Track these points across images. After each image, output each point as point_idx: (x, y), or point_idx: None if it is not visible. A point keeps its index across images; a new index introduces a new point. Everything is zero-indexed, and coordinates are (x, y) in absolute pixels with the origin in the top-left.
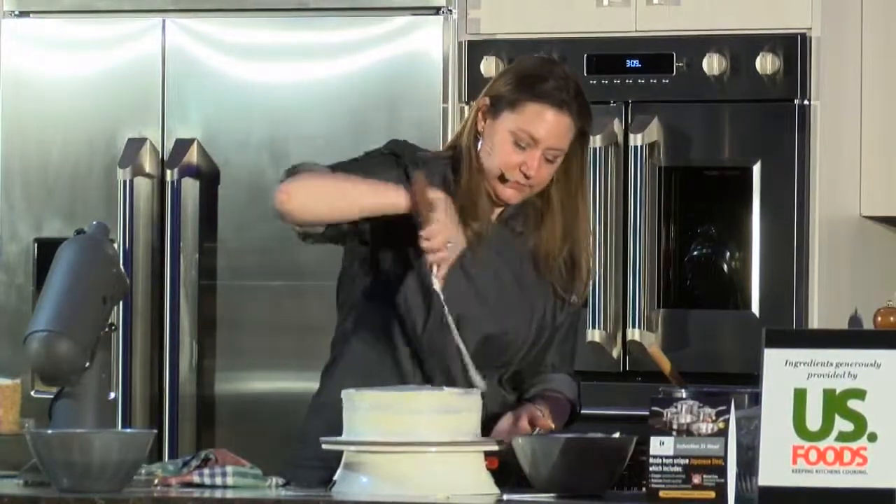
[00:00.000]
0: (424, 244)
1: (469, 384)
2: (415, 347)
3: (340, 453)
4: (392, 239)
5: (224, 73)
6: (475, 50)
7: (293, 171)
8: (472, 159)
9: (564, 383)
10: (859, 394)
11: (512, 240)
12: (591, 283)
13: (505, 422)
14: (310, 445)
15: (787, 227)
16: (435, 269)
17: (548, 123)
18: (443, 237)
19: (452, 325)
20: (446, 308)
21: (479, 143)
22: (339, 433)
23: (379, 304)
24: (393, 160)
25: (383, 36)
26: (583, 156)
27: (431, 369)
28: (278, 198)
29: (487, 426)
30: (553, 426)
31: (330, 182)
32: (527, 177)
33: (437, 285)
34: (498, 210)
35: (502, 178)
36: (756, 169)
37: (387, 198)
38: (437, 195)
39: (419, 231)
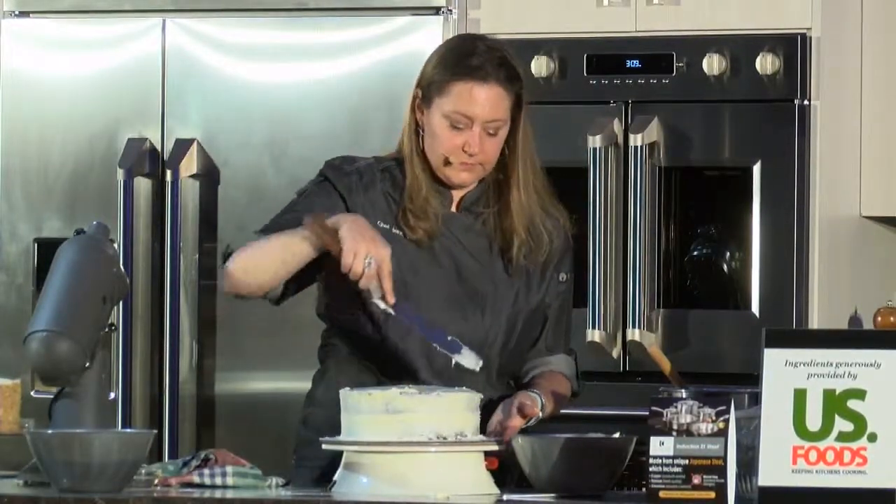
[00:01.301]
0: (349, 274)
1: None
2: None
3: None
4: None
5: (224, 73)
6: None
7: (228, 255)
8: (413, 157)
9: (562, 362)
10: (859, 394)
11: (475, 224)
12: (553, 246)
13: (496, 417)
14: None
15: (787, 227)
16: (373, 292)
17: (478, 99)
18: (358, 260)
19: (419, 327)
20: (404, 319)
21: (422, 136)
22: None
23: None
24: (329, 186)
25: (383, 36)
26: (523, 120)
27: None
28: (224, 284)
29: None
30: (539, 413)
31: (256, 252)
32: (471, 155)
33: (383, 305)
34: (458, 197)
35: (448, 163)
36: (756, 169)
37: (297, 250)
38: (333, 221)
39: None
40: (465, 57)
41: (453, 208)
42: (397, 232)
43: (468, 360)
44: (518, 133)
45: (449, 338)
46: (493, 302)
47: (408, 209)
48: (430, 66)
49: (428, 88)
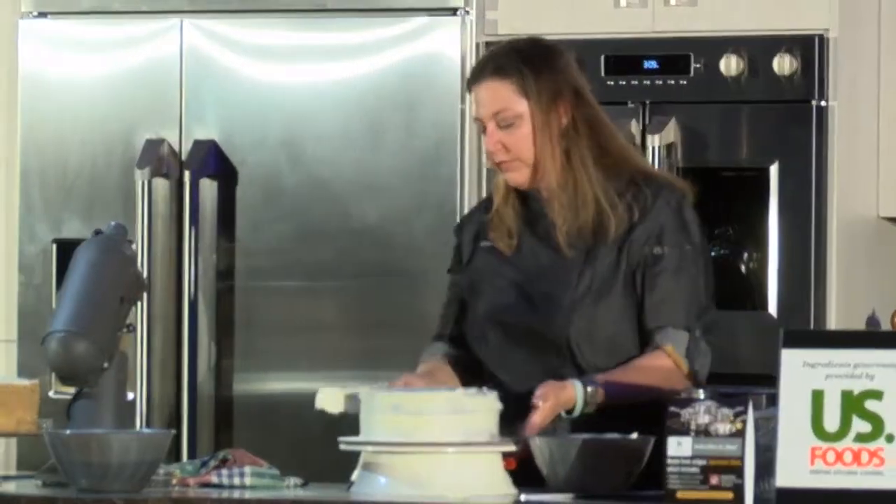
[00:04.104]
0: None
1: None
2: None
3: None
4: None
5: (242, 73)
6: None
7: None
8: (495, 172)
9: (671, 337)
10: (877, 395)
11: (541, 218)
12: (628, 218)
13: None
14: None
15: (805, 227)
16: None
17: (478, 99)
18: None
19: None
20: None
21: None
22: None
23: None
24: (457, 245)
25: (400, 37)
26: (532, 107)
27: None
28: None
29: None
30: (539, 404)
31: None
32: (489, 152)
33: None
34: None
35: (498, 168)
36: (773, 170)
37: None
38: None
39: None
40: (473, 66)
41: (548, 209)
42: (486, 243)
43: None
44: (534, 123)
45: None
46: (565, 294)
47: (488, 222)
48: None
49: None
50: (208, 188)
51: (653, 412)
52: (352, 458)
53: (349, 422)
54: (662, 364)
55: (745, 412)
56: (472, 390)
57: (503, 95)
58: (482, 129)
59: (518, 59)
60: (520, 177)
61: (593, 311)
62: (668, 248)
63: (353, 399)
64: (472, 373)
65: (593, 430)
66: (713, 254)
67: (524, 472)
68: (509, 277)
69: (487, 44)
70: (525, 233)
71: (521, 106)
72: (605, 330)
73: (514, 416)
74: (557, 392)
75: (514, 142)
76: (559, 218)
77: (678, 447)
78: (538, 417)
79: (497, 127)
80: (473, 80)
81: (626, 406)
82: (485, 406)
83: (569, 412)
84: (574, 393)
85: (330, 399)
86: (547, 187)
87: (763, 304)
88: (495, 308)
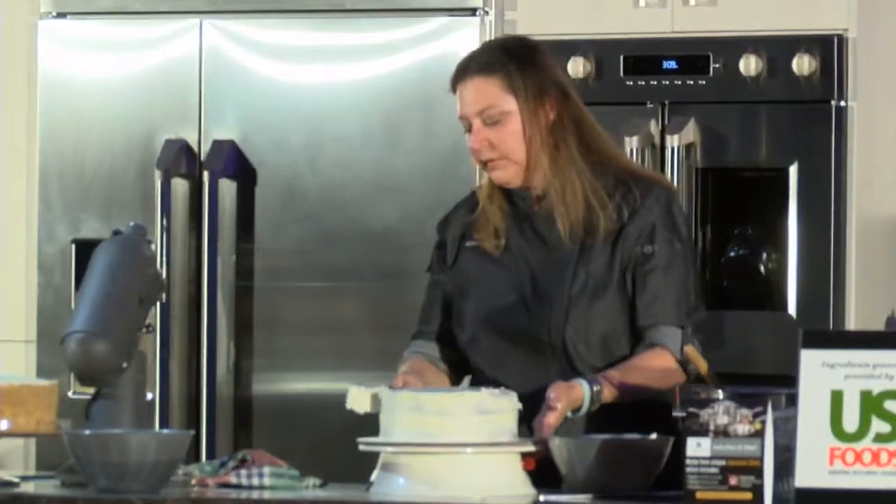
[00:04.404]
0: None
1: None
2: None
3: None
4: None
5: (261, 74)
6: None
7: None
8: (479, 172)
9: (666, 336)
10: None
11: (529, 217)
12: (620, 215)
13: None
14: None
15: (824, 227)
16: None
17: (463, 97)
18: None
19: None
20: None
21: None
22: None
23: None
24: (440, 244)
25: (419, 37)
26: (520, 104)
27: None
28: None
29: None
30: (557, 406)
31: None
32: (475, 150)
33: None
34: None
35: (484, 167)
36: (792, 170)
37: None
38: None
39: None
40: (457, 65)
41: (536, 208)
42: (471, 243)
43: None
44: (523, 119)
45: None
46: (560, 294)
47: (473, 222)
48: None
49: None
50: (227, 188)
51: (649, 410)
52: (371, 459)
53: (368, 422)
54: (663, 363)
55: (764, 412)
56: (496, 391)
57: (489, 92)
58: (467, 128)
59: (503, 56)
60: (506, 175)
61: (588, 311)
62: (658, 246)
63: (378, 399)
64: (458, 372)
65: (592, 429)
66: (732, 254)
67: (541, 473)
68: (499, 278)
69: None
70: (513, 232)
71: (509, 102)
72: (599, 329)
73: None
74: (568, 392)
75: (501, 139)
76: (558, 212)
77: (697, 448)
78: (553, 418)
79: (483, 124)
80: (458, 78)
81: (622, 404)
82: (507, 406)
83: (574, 411)
84: (582, 392)
85: (359, 398)
86: (535, 185)
87: (782, 304)
88: (487, 310)
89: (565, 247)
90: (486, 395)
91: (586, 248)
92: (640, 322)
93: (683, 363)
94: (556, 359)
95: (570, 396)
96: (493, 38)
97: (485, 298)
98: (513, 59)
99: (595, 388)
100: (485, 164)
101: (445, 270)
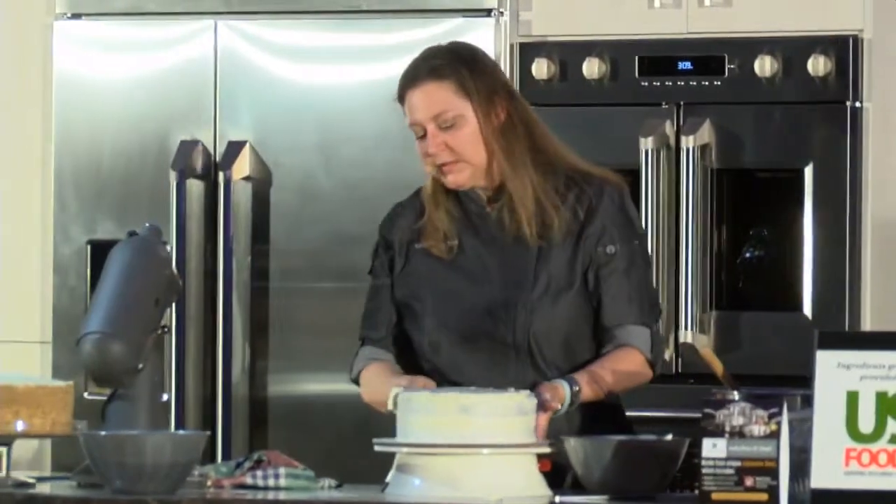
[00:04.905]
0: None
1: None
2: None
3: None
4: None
5: (276, 75)
6: (527, 52)
7: (353, 371)
8: (427, 177)
9: (633, 335)
10: None
11: (483, 219)
12: (561, 218)
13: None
14: None
15: (840, 228)
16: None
17: (414, 103)
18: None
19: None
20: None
21: None
22: None
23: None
24: (382, 245)
25: (435, 38)
26: (475, 106)
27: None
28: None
29: None
30: (558, 405)
31: (375, 397)
32: (431, 156)
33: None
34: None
35: (437, 171)
36: (808, 171)
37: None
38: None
39: None
40: (403, 74)
41: (489, 209)
42: (420, 246)
43: None
44: (478, 121)
45: None
46: (523, 295)
47: (421, 228)
48: None
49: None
50: (242, 189)
51: (601, 411)
52: (387, 460)
53: (383, 422)
54: (634, 362)
55: (779, 413)
56: (514, 392)
57: (442, 97)
58: (419, 135)
59: (453, 61)
60: (462, 177)
61: (551, 312)
62: (619, 245)
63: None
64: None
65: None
66: (747, 255)
67: (544, 473)
68: (455, 281)
69: (521, 45)
70: (466, 234)
71: (463, 106)
72: (562, 330)
73: None
74: (554, 393)
75: (458, 142)
76: (517, 212)
77: (713, 449)
78: (545, 419)
79: (438, 129)
80: (407, 85)
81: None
82: (525, 408)
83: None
84: (564, 393)
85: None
86: (487, 186)
87: (798, 305)
88: (445, 314)
89: (522, 248)
90: (505, 397)
91: (544, 249)
92: (606, 322)
93: (653, 363)
94: (519, 360)
95: (555, 397)
96: (507, 39)
97: (442, 302)
98: (462, 62)
99: (575, 389)
100: (440, 169)
101: (393, 275)
